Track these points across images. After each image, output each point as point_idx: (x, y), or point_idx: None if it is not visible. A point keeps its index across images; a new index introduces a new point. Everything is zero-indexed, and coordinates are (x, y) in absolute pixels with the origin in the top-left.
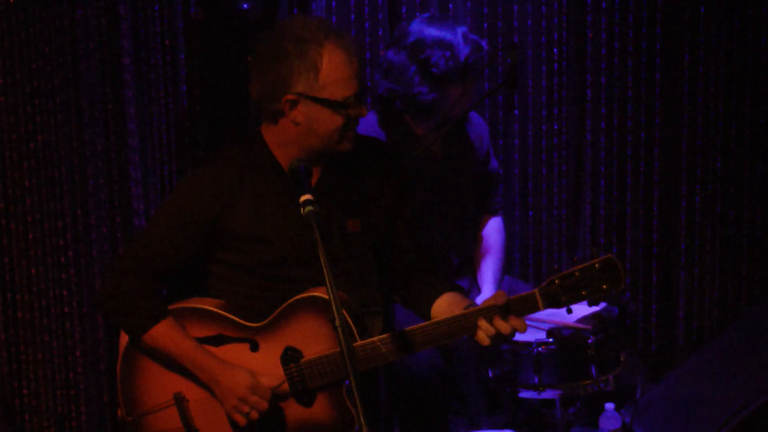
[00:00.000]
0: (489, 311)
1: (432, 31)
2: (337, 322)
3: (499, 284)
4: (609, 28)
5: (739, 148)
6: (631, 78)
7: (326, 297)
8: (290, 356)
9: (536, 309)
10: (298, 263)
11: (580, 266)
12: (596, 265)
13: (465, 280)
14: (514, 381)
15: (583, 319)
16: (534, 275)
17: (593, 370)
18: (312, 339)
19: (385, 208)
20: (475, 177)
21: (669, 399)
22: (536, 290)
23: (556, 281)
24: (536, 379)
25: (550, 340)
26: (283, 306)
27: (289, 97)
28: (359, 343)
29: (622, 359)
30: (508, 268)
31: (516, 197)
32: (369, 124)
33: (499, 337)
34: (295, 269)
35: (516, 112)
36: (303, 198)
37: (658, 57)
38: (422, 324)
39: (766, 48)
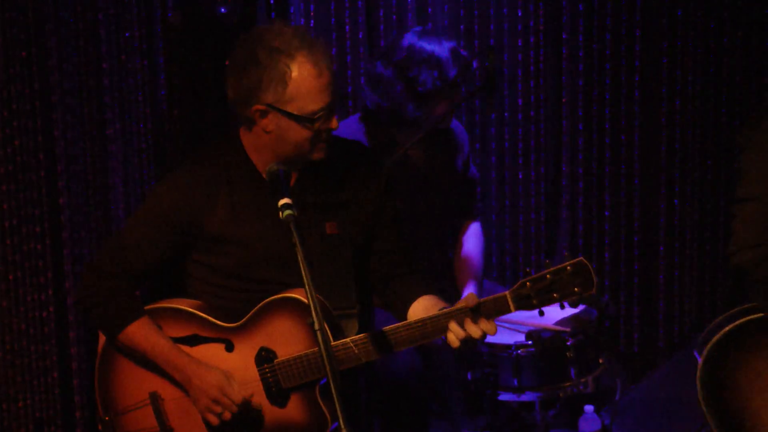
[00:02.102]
0: (459, 313)
1: (421, 49)
2: (317, 326)
3: (479, 288)
4: (586, 31)
5: (718, 150)
6: (609, 80)
7: (301, 298)
8: (264, 357)
9: (507, 311)
10: (274, 265)
11: (551, 269)
12: (568, 268)
13: (445, 284)
14: (493, 383)
15: (563, 322)
16: (512, 279)
17: (572, 372)
18: (286, 340)
19: (364, 210)
20: (455, 183)
21: (649, 401)
22: (507, 292)
23: (528, 283)
24: (516, 382)
25: (530, 342)
26: (258, 306)
27: (258, 107)
28: (332, 344)
29: (601, 361)
30: (486, 272)
31: (493, 200)
32: (352, 128)
33: (469, 340)
34: (272, 271)
35: (493, 115)
36: (281, 202)
37: (636, 59)
38: (394, 326)
39: (744, 50)
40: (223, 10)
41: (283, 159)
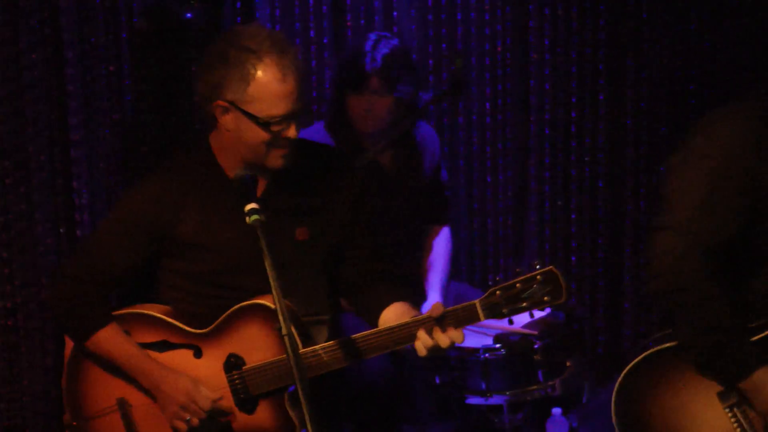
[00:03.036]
0: (428, 322)
1: (359, 43)
2: (284, 331)
3: (445, 292)
4: (552, 34)
5: None
6: (575, 84)
7: (269, 305)
8: (233, 363)
9: (477, 319)
10: (244, 271)
11: (521, 277)
12: (538, 277)
13: (414, 289)
14: (462, 387)
15: (530, 325)
16: (480, 282)
17: (540, 375)
18: (255, 347)
19: (336, 216)
20: (424, 187)
21: None
22: (477, 301)
23: (497, 292)
24: (484, 385)
25: (498, 345)
26: (227, 313)
27: (220, 102)
28: (301, 351)
29: (568, 364)
30: (454, 275)
31: (461, 204)
32: (319, 134)
33: (436, 349)
34: (242, 277)
35: (460, 119)
36: (248, 207)
37: (601, 62)
38: (364, 333)
39: (710, 53)
40: (188, 15)
41: (243, 163)
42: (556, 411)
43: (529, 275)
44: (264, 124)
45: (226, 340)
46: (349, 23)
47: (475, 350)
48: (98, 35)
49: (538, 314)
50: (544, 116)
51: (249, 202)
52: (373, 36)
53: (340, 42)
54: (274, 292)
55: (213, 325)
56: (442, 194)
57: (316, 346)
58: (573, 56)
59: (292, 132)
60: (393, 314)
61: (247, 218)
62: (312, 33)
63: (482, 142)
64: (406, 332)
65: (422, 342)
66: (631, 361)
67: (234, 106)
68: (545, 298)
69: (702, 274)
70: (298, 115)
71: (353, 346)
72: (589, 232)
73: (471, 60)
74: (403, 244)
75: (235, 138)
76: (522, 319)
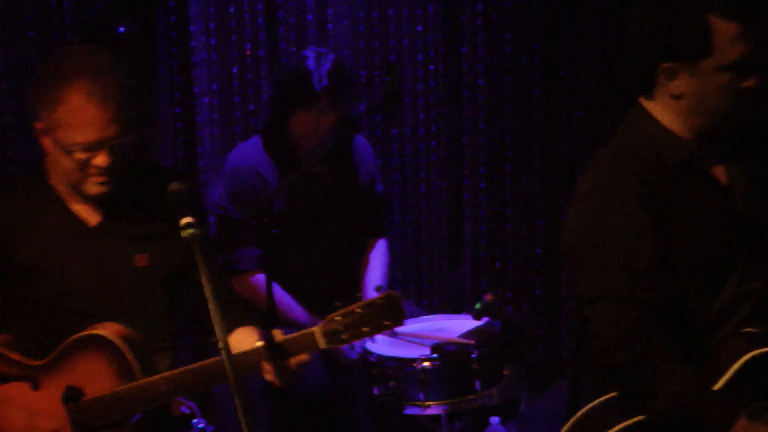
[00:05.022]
0: (265, 350)
1: (298, 59)
2: (221, 344)
3: None
4: (485, 44)
5: None
6: (509, 93)
7: (105, 335)
8: (71, 395)
9: (316, 347)
10: (84, 296)
11: (361, 303)
12: (378, 302)
13: (348, 303)
14: (399, 398)
15: (467, 334)
16: (415, 293)
17: (478, 384)
18: (94, 378)
19: (177, 241)
20: (361, 199)
21: (555, 411)
22: (316, 328)
23: (337, 318)
24: (421, 396)
25: (435, 356)
26: (64, 344)
27: (37, 125)
28: (138, 382)
29: (506, 373)
30: (391, 287)
31: (396, 216)
32: (255, 147)
33: (282, 376)
34: (82, 302)
35: (394, 130)
36: (184, 221)
37: (536, 71)
38: (206, 361)
39: None
40: (121, 29)
41: (72, 188)
42: (495, 420)
43: (369, 300)
44: (67, 151)
45: (64, 371)
46: (282, 36)
47: (413, 360)
48: (29, 50)
49: (474, 321)
50: (477, 126)
51: (184, 216)
52: (311, 53)
53: (275, 55)
54: (211, 306)
55: (51, 357)
56: (378, 206)
57: (157, 376)
58: (506, 66)
59: (99, 160)
60: (233, 342)
61: (182, 232)
62: (248, 46)
63: (416, 154)
64: (249, 360)
65: (265, 370)
66: None
67: (44, 129)
68: (385, 323)
69: (657, 336)
70: (108, 143)
71: (195, 374)
72: (525, 240)
73: (404, 71)
74: (341, 258)
75: (53, 161)
76: (459, 328)
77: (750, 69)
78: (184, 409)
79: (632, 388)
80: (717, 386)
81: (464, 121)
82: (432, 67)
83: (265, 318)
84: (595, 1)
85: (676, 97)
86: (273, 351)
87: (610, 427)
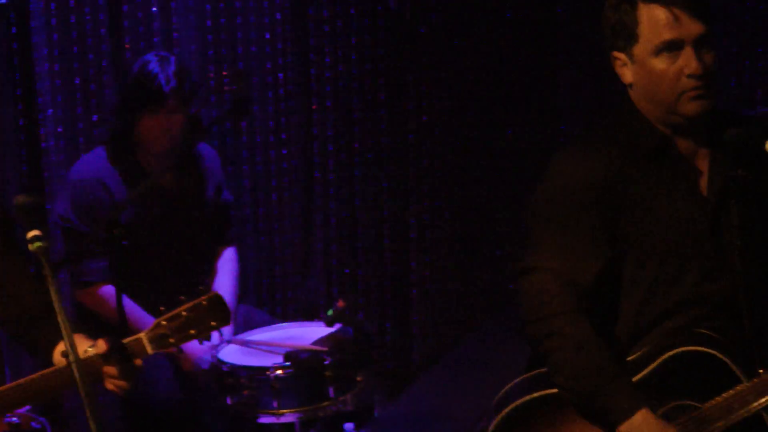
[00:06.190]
0: (96, 359)
1: (141, 64)
2: (71, 358)
3: (234, 315)
4: (332, 53)
5: (467, 164)
6: (357, 100)
7: None
8: None
9: (145, 353)
10: None
11: (187, 305)
12: (203, 303)
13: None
14: (253, 407)
15: (320, 341)
16: (268, 301)
17: (331, 391)
18: None
19: None
20: (207, 209)
21: (408, 415)
22: (142, 334)
23: (163, 322)
24: (275, 404)
25: (288, 363)
26: None
27: None
28: None
29: (359, 379)
30: (243, 296)
31: (247, 224)
32: (98, 158)
33: (119, 386)
34: None
35: (244, 138)
36: (30, 234)
37: (382, 77)
38: (32, 376)
39: (489, 66)
40: None
41: None
42: (349, 426)
43: (194, 302)
44: None
45: None
46: (127, 45)
47: (265, 369)
48: None
49: (326, 327)
50: (326, 133)
51: (31, 229)
52: (153, 57)
53: (119, 65)
54: (60, 318)
55: None
56: (226, 214)
57: None
58: (354, 72)
59: None
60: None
61: (30, 245)
62: (90, 56)
63: (266, 161)
64: (88, 367)
65: (107, 375)
66: (502, 407)
67: None
68: (212, 323)
69: (576, 315)
70: None
71: (22, 391)
72: (375, 247)
73: (253, 79)
74: (189, 267)
75: None
76: (312, 335)
77: (687, 54)
78: (35, 425)
79: (545, 360)
80: (636, 378)
81: (313, 128)
82: (281, 74)
83: (116, 329)
84: (436, 4)
85: (629, 86)
86: (104, 359)
87: (521, 398)
